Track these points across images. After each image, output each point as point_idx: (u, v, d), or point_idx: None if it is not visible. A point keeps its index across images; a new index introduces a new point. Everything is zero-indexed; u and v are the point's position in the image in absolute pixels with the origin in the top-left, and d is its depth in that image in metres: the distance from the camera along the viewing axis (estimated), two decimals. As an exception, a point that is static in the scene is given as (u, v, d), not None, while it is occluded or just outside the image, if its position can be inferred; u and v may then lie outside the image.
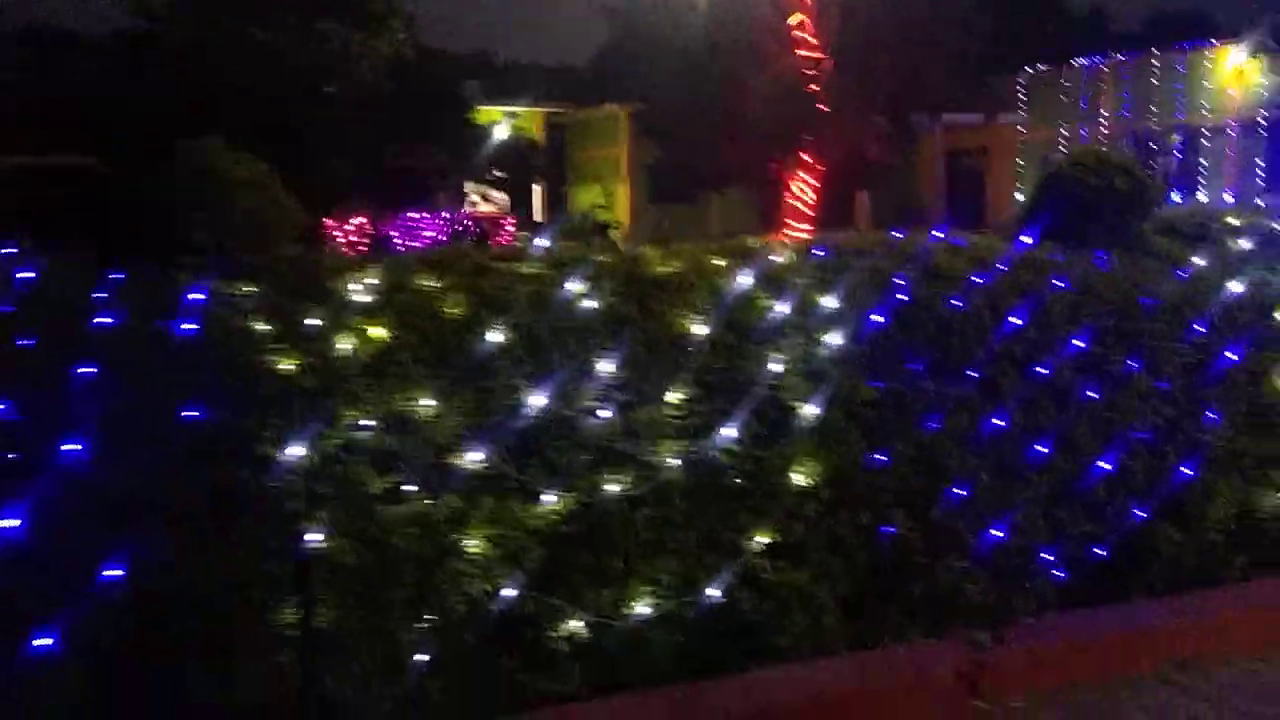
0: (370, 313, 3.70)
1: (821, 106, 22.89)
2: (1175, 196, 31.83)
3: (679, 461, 3.90)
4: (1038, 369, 4.37)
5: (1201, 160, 31.25)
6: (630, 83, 28.63)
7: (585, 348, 3.82)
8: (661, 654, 3.93)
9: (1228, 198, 29.67)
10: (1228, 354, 4.71)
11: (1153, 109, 32.38)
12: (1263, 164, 29.17)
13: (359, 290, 3.74)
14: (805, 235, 23.42)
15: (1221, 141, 30.52)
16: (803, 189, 23.90)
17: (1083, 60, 35.11)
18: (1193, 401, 4.66)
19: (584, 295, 3.90)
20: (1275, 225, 5.23)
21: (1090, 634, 4.31)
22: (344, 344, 3.61)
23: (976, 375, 4.32)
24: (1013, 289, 4.42)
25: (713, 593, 3.98)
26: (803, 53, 22.51)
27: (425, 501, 3.59)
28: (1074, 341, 4.41)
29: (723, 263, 4.26)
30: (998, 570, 4.38)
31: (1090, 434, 4.48)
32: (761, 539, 4.04)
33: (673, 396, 3.91)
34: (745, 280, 4.18)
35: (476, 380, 3.70)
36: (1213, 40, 30.99)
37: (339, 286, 3.74)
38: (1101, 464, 4.47)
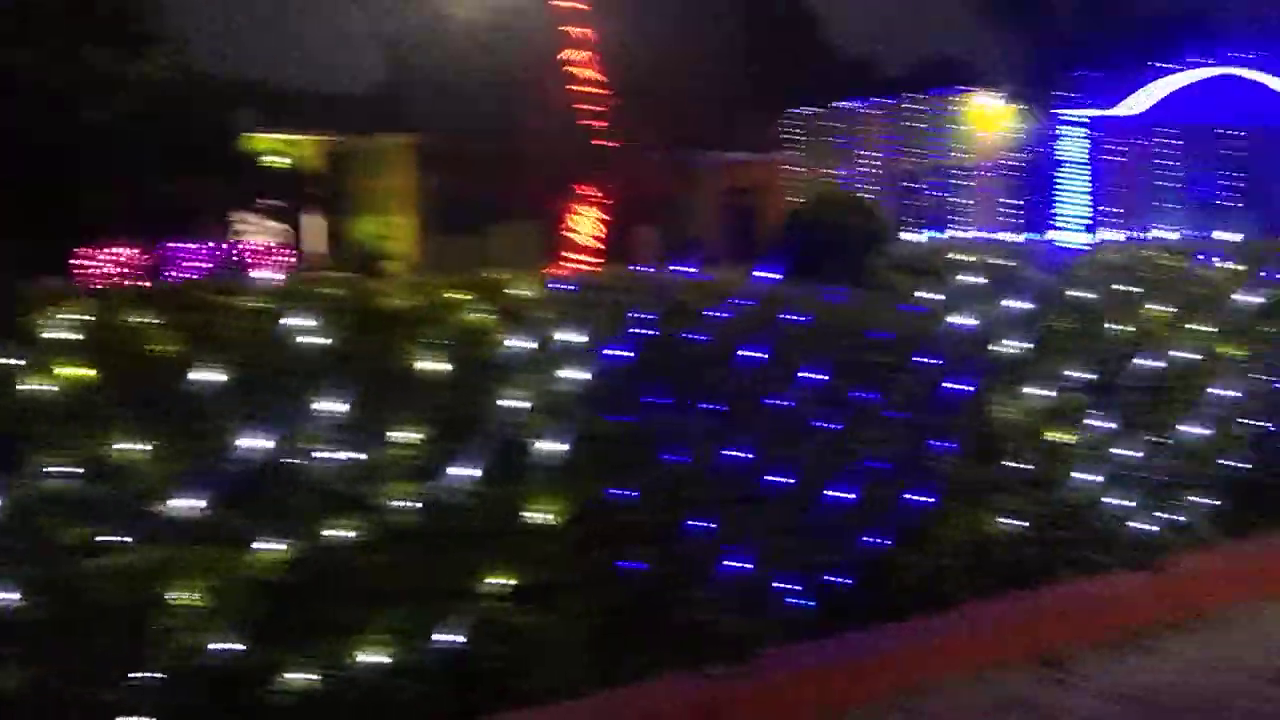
0: (70, 351, 3.42)
1: (601, 141, 23.16)
2: (930, 233, 33.77)
3: (413, 504, 3.76)
4: (778, 401, 4.44)
5: (955, 199, 33.21)
6: (411, 112, 28.28)
7: (310, 386, 3.64)
8: (404, 704, 3.77)
9: (978, 233, 31.63)
10: (956, 384, 4.91)
11: (913, 150, 34.24)
12: (1009, 203, 31.19)
13: (58, 326, 3.45)
14: (588, 268, 23.61)
15: (975, 182, 32.50)
16: (582, 222, 24.07)
17: (847, 103, 36.85)
18: (926, 431, 4.83)
19: (309, 330, 3.72)
20: (1000, 261, 5.51)
21: (829, 662, 4.38)
22: (38, 385, 3.32)
23: (719, 408, 4.35)
24: (754, 323, 4.48)
25: (453, 639, 3.85)
26: (583, 88, 22.72)
27: (130, 552, 3.33)
28: (812, 374, 4.50)
29: (461, 296, 4.16)
30: (745, 601, 4.40)
31: (829, 464, 4.58)
32: (504, 581, 3.93)
33: (405, 436, 3.77)
34: (484, 314, 4.08)
35: (189, 422, 3.47)
36: (965, 87, 33.01)
37: (34, 323, 3.45)
38: (842, 493, 4.57)
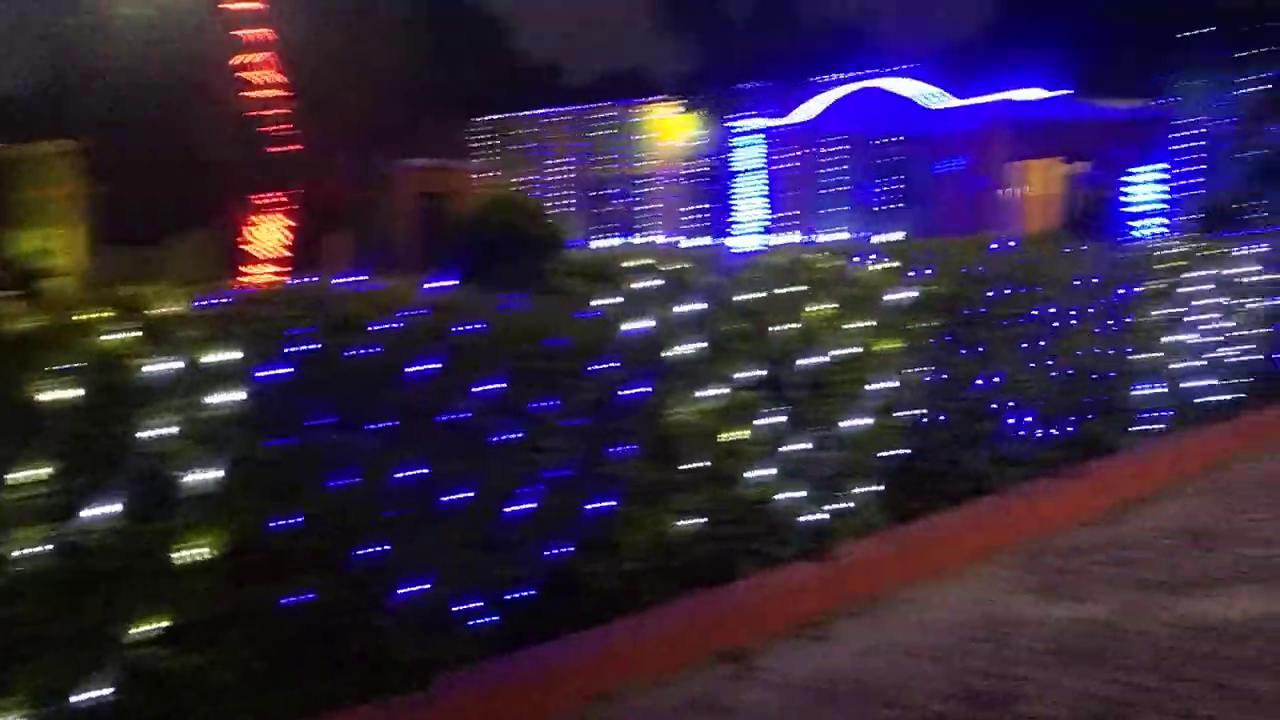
0: None
1: (282, 147, 22.20)
2: (619, 239, 34.56)
3: (40, 549, 3.36)
4: (453, 414, 4.30)
5: (643, 206, 34.15)
6: (76, 116, 26.11)
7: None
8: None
9: (661, 239, 32.67)
10: (633, 389, 4.92)
11: (599, 158, 34.94)
12: (692, 209, 32.35)
13: None
14: (274, 278, 22.56)
15: (659, 189, 33.52)
16: (266, 231, 23.00)
17: (535, 111, 37.17)
18: (605, 437, 4.82)
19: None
20: (674, 266, 5.59)
21: (515, 679, 4.29)
22: None
23: (390, 424, 4.16)
24: (425, 334, 4.32)
25: (100, 693, 3.48)
26: (261, 92, 21.68)
27: None
28: (487, 384, 4.39)
29: (96, 316, 3.77)
30: (425, 625, 4.24)
31: (509, 475, 4.48)
32: (154, 625, 3.59)
33: (27, 475, 3.37)
34: (123, 335, 3.71)
35: None
36: (649, 95, 33.96)
37: None
38: (521, 504, 4.48)
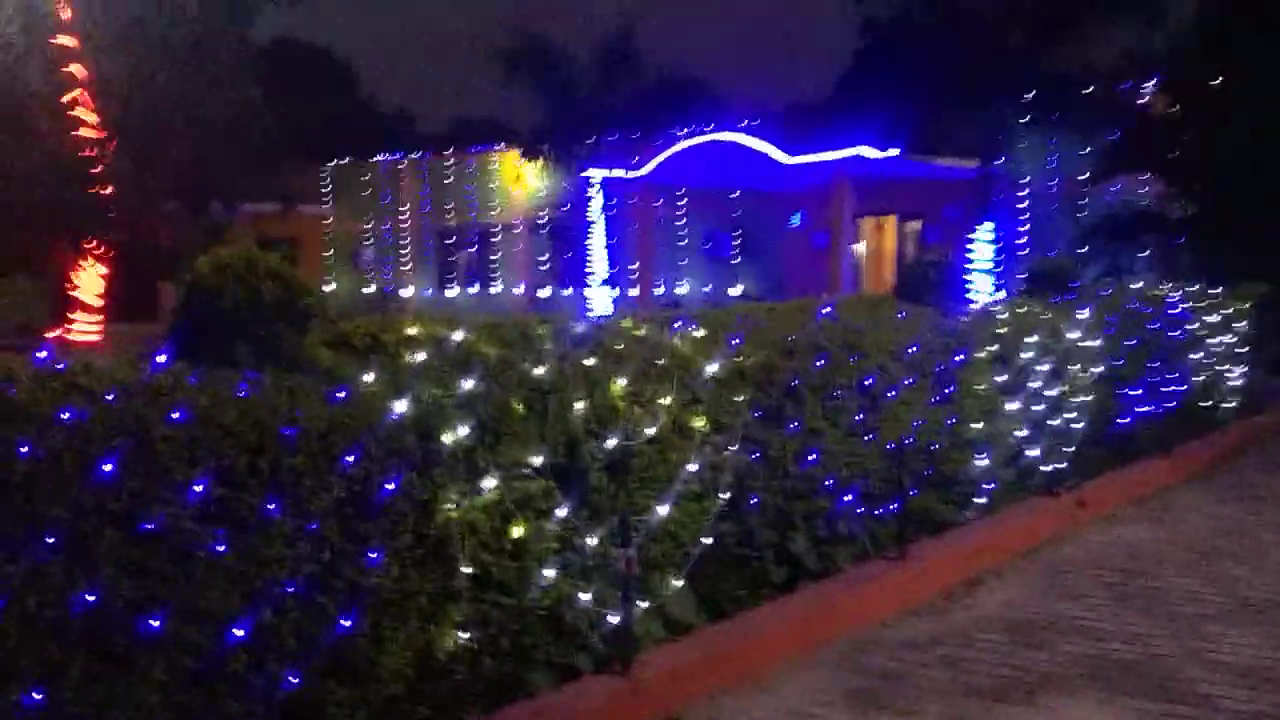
0: None
1: (100, 190, 20.82)
2: (473, 289, 33.80)
3: None
4: (144, 523, 3.54)
5: (493, 256, 33.46)
6: None
7: None
8: None
9: (519, 291, 32.03)
10: (389, 483, 4.24)
11: (449, 206, 34.17)
12: (544, 260, 31.83)
13: None
14: (93, 330, 21.08)
15: (510, 239, 32.89)
16: (86, 278, 21.52)
17: (384, 156, 36.22)
18: (350, 541, 4.12)
19: None
20: (459, 335, 4.94)
21: None
22: None
23: (60, 537, 3.38)
24: (114, 426, 3.55)
25: None
26: (80, 131, 20.32)
27: None
28: (194, 486, 3.64)
29: None
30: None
31: (223, 594, 3.73)
32: None
33: None
34: None
35: None
36: (500, 144, 33.40)
37: None
38: (239, 629, 3.74)
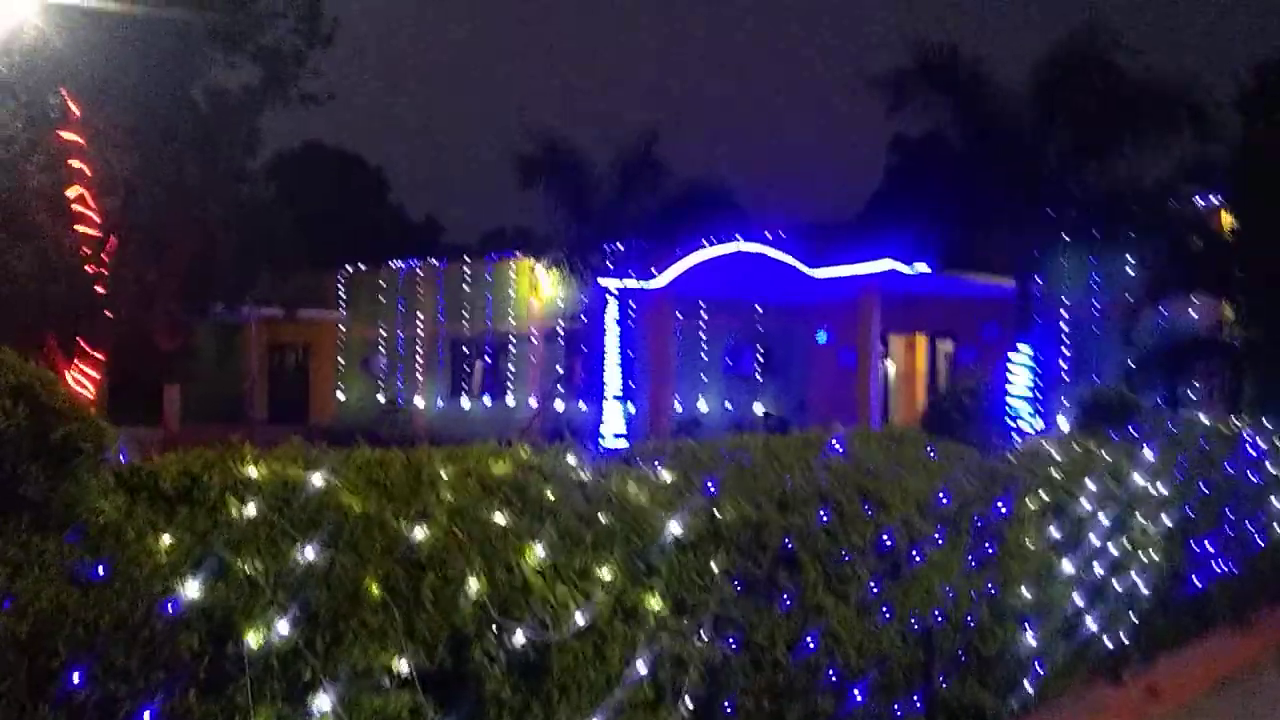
0: None
1: (95, 288, 19.80)
2: (486, 401, 32.55)
3: None
4: None
5: (509, 365, 32.27)
6: None
7: None
8: None
9: (533, 401, 30.73)
10: (152, 702, 2.80)
11: (465, 315, 33.15)
12: (562, 370, 30.60)
13: None
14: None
15: (526, 348, 31.75)
16: (82, 380, 20.42)
17: (399, 262, 35.38)
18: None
19: None
20: (313, 480, 3.53)
21: None
22: None
23: None
24: None
25: None
26: (81, 229, 19.39)
27: None
28: None
29: None
30: None
31: None
32: None
33: None
34: None
35: None
36: (516, 252, 32.51)
37: None
38: None
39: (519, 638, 3.64)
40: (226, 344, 34.35)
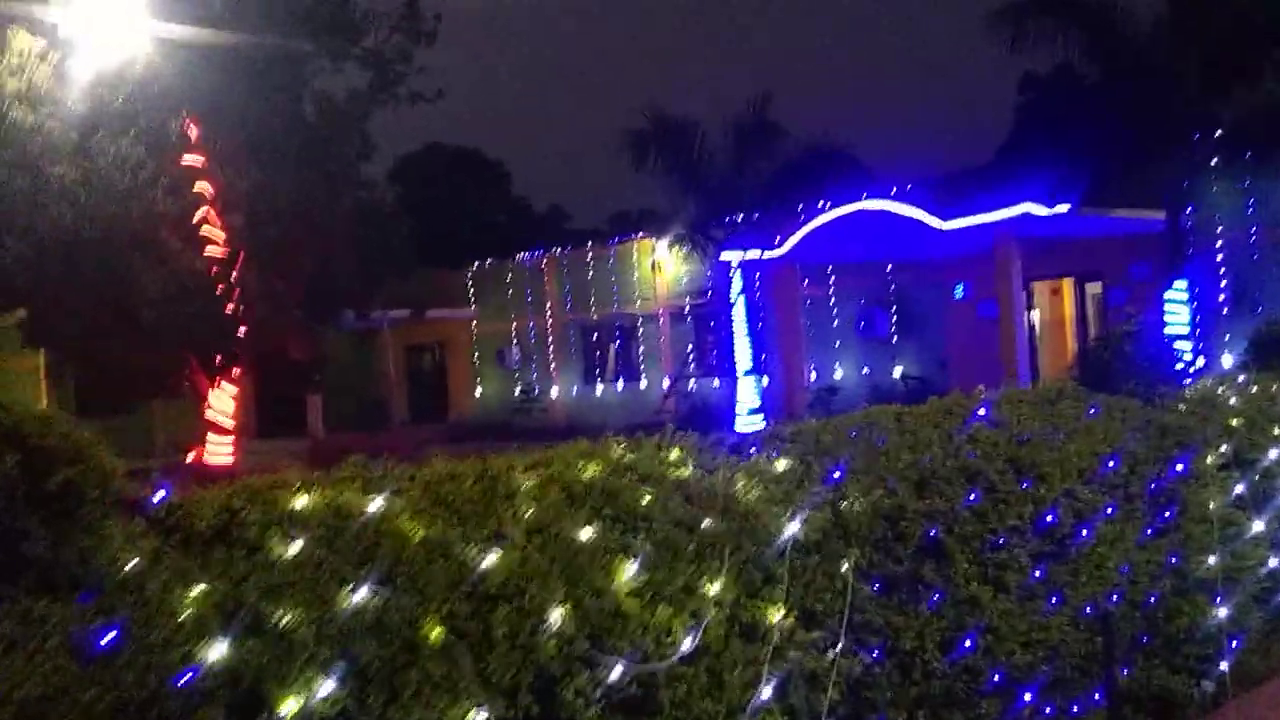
0: None
1: (226, 307, 20.15)
2: (619, 385, 32.26)
3: None
4: None
5: (640, 348, 31.89)
6: (14, 287, 24.29)
7: None
8: None
9: (665, 383, 30.28)
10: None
11: (592, 301, 32.90)
12: (692, 348, 30.09)
13: None
14: (224, 452, 20.29)
15: (655, 329, 31.31)
16: (221, 397, 20.85)
17: (525, 254, 35.31)
18: None
19: None
20: (368, 508, 3.07)
21: None
22: None
23: None
24: None
25: None
26: (209, 250, 19.76)
27: None
28: None
29: None
30: None
31: None
32: None
33: None
34: None
35: None
36: (638, 233, 32.09)
37: None
38: None
39: (616, 671, 3.12)
40: (363, 351, 34.86)
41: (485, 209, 50.11)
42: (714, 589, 3.39)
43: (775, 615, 3.54)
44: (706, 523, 3.52)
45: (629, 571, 3.23)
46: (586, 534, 3.28)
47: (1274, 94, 18.05)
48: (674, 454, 3.85)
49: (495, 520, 3.21)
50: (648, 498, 3.52)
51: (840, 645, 3.72)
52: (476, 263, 36.35)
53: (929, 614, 4.09)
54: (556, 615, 3.04)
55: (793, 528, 3.68)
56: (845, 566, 3.82)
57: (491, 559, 3.05)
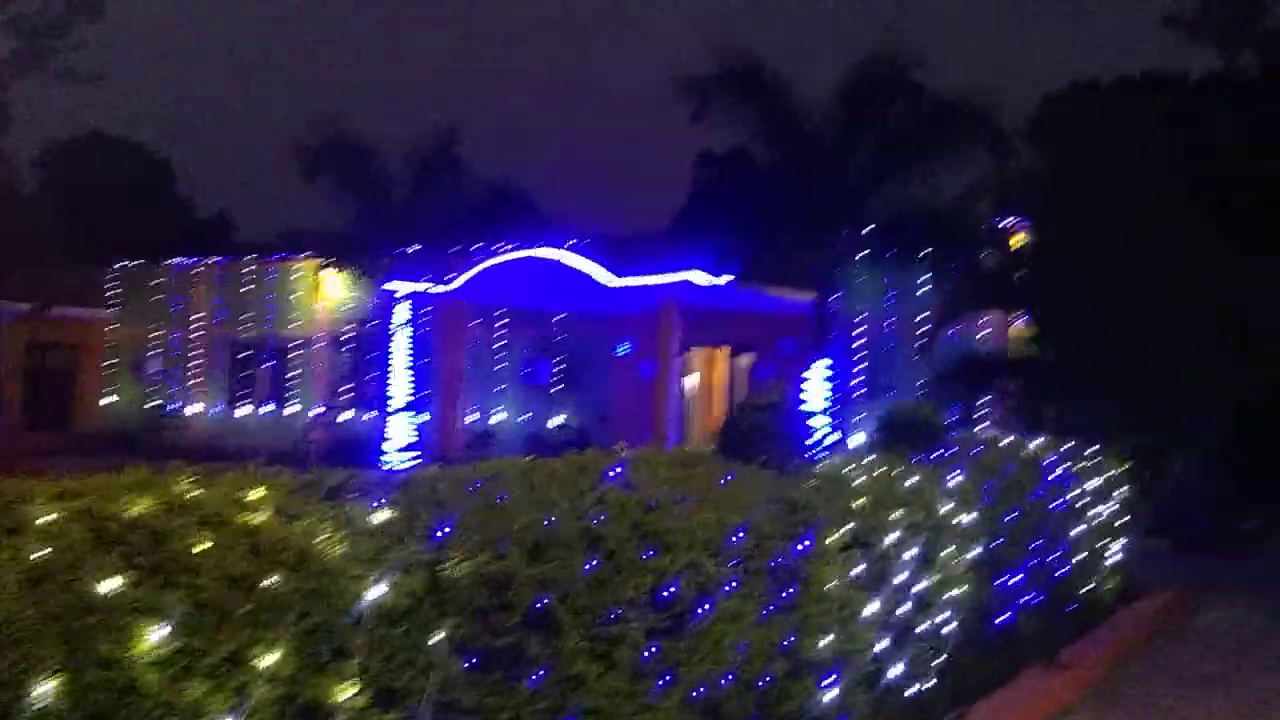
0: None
1: None
2: (266, 408, 30.46)
3: None
4: None
5: (292, 372, 30.31)
6: None
7: None
8: None
9: (315, 412, 28.85)
10: None
11: (246, 316, 31.05)
12: (348, 378, 28.95)
13: None
14: None
15: (311, 353, 29.91)
16: None
17: (176, 259, 32.95)
18: None
19: None
20: None
21: None
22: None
23: None
24: None
25: None
26: None
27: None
28: None
29: None
30: None
31: None
32: None
33: None
34: None
35: None
36: (303, 252, 30.62)
37: None
38: None
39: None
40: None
41: (142, 207, 46.44)
42: (268, 661, 2.81)
43: (344, 694, 3.00)
44: (272, 579, 2.94)
45: (156, 636, 2.60)
46: (109, 586, 2.62)
47: (914, 200, 19.47)
48: (256, 493, 3.25)
49: (-17, 562, 2.50)
50: (203, 545, 2.90)
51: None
52: (122, 263, 33.56)
53: (528, 693, 3.67)
54: (42, 690, 2.37)
55: (378, 591, 3.16)
56: (438, 638, 3.33)
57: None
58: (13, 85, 21.44)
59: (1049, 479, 9.17)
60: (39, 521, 2.73)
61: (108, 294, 33.81)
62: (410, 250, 24.04)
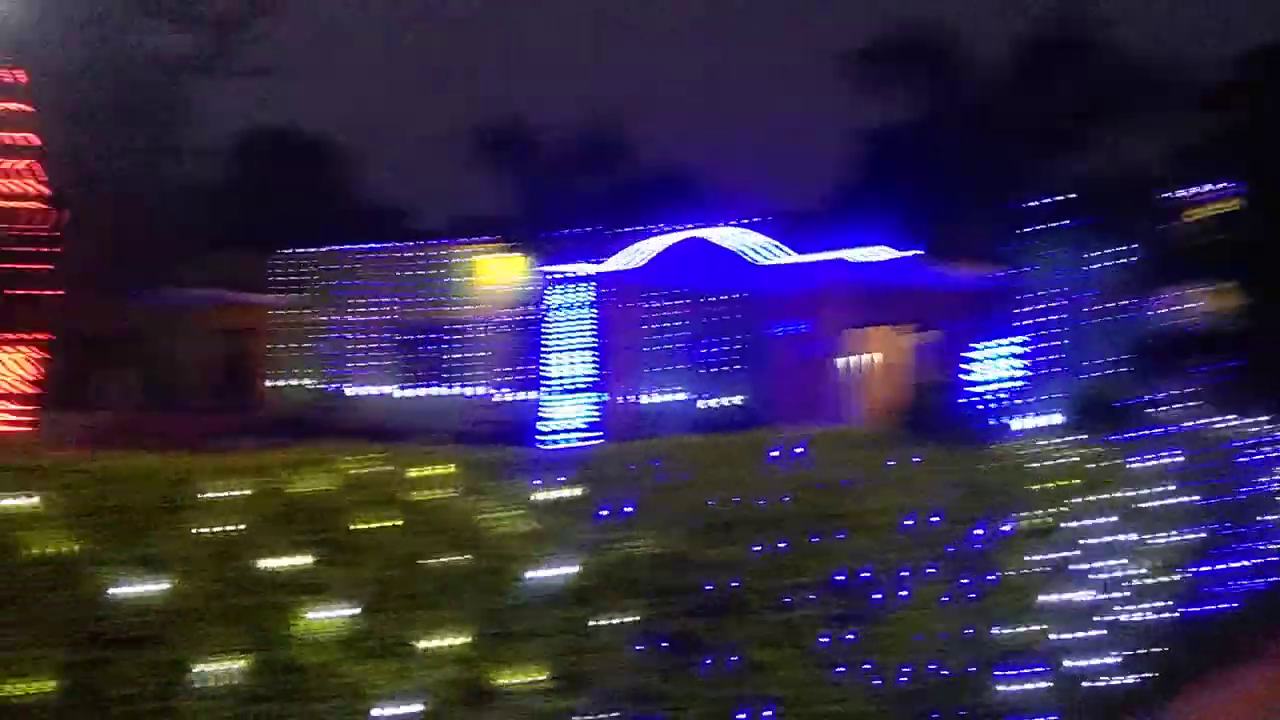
0: None
1: (35, 268, 18.59)
2: (433, 389, 31.20)
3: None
4: None
5: (459, 353, 30.89)
6: None
7: None
8: None
9: (480, 391, 29.36)
10: None
11: (413, 301, 31.79)
12: (511, 360, 29.38)
13: None
14: (18, 420, 18.52)
15: (478, 335, 30.46)
16: (9, 364, 19.05)
17: (347, 245, 34.03)
18: None
19: None
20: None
21: None
22: None
23: None
24: None
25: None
26: (19, 202, 18.22)
27: None
28: None
29: None
30: None
31: None
32: None
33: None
34: None
35: None
36: (471, 237, 31.20)
37: None
38: None
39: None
40: (172, 329, 32.96)
41: (316, 197, 48.06)
42: (443, 640, 2.72)
43: (523, 676, 2.89)
44: (446, 558, 2.85)
45: (325, 615, 2.53)
46: (282, 563, 2.57)
47: (1105, 168, 18.55)
48: (441, 469, 3.16)
49: (153, 542, 2.47)
50: (375, 521, 2.83)
51: (601, 712, 3.08)
52: (296, 250, 34.84)
53: (711, 678, 3.50)
54: (216, 669, 2.32)
55: (557, 571, 3.04)
56: (613, 620, 3.20)
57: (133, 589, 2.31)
58: (194, 82, 22.35)
59: (1263, 458, 8.50)
60: (208, 498, 2.70)
61: (283, 280, 35.17)
62: (575, 233, 24.27)
